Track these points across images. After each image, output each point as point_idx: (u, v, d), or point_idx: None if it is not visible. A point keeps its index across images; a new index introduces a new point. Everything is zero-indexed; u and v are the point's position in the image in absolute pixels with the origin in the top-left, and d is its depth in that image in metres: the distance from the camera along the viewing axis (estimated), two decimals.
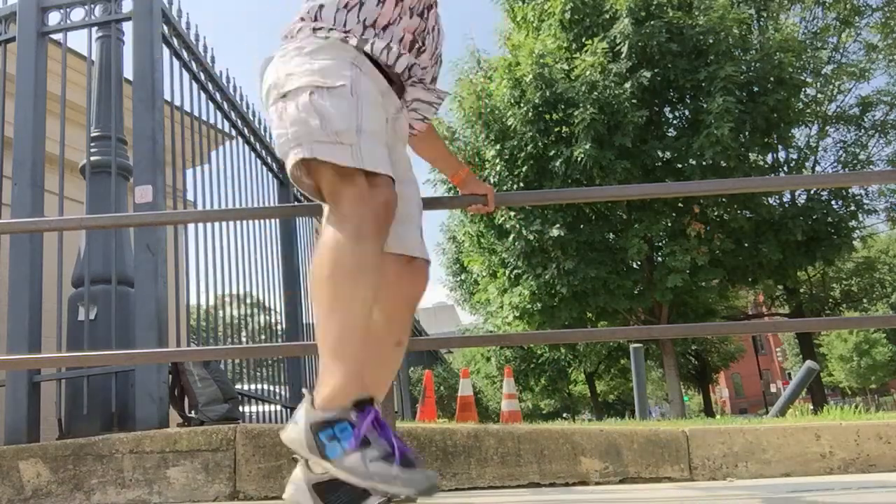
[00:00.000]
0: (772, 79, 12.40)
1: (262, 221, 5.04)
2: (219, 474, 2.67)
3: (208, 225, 4.00)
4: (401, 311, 1.84)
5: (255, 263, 4.80)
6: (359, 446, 1.33)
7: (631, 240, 12.02)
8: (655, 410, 28.23)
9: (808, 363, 6.87)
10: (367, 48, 1.74)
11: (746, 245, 13.12)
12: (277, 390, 5.31)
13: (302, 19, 1.83)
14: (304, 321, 5.72)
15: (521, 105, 12.38)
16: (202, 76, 4.09)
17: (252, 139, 4.98)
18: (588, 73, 11.80)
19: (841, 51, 17.06)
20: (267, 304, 5.28)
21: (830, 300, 22.18)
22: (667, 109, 13.62)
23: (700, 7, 12.40)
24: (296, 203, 5.84)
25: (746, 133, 12.55)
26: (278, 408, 5.08)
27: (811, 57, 15.13)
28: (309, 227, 6.19)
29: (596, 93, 11.67)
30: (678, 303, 13.54)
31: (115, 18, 3.52)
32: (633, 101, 11.79)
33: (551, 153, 12.15)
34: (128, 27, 3.52)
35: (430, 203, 2.65)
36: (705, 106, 11.70)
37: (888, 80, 17.60)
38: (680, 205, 12.51)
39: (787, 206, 13.80)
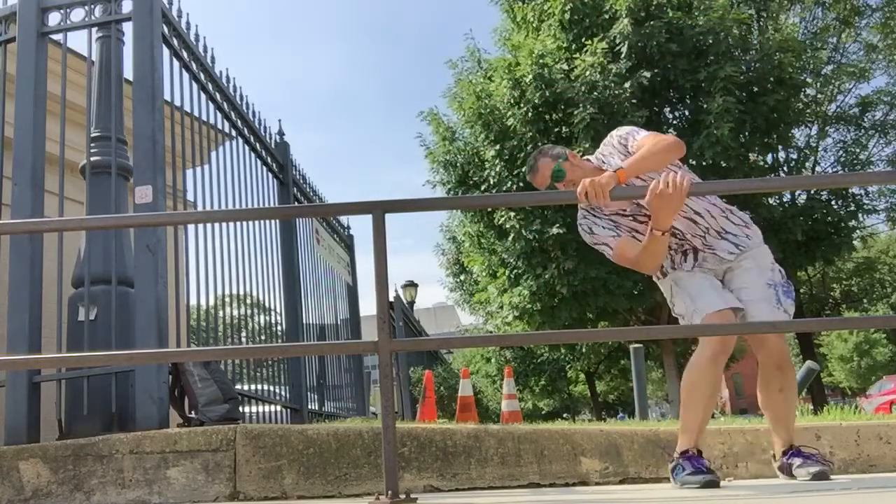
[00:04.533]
0: (772, 79, 12.39)
1: (262, 221, 5.04)
2: (219, 475, 2.67)
3: (208, 225, 4.00)
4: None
5: (255, 263, 4.80)
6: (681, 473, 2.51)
7: None
8: (655, 411, 28.20)
9: (809, 363, 6.87)
10: None
11: None
12: (277, 390, 5.31)
13: None
14: (303, 321, 5.72)
15: (521, 105, 12.37)
16: (202, 76, 4.09)
17: (252, 139, 4.98)
18: (588, 73, 11.79)
19: (841, 51, 17.06)
20: (267, 304, 5.28)
21: (830, 300, 22.17)
22: (667, 109, 13.60)
23: (700, 7, 12.38)
24: (296, 203, 5.84)
25: (746, 133, 12.54)
26: (278, 408, 5.08)
27: (811, 57, 15.12)
28: (309, 227, 6.19)
29: (596, 93, 11.67)
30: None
31: (115, 19, 3.52)
32: (633, 101, 11.77)
33: None
34: (128, 27, 3.52)
35: (432, 203, 2.65)
36: (705, 106, 11.69)
37: (888, 80, 17.57)
38: None
39: (787, 206, 13.78)
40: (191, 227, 3.82)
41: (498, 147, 12.71)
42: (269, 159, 5.35)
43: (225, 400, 3.42)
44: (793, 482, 2.54)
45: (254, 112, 5.01)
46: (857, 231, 15.35)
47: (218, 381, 3.44)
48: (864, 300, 23.95)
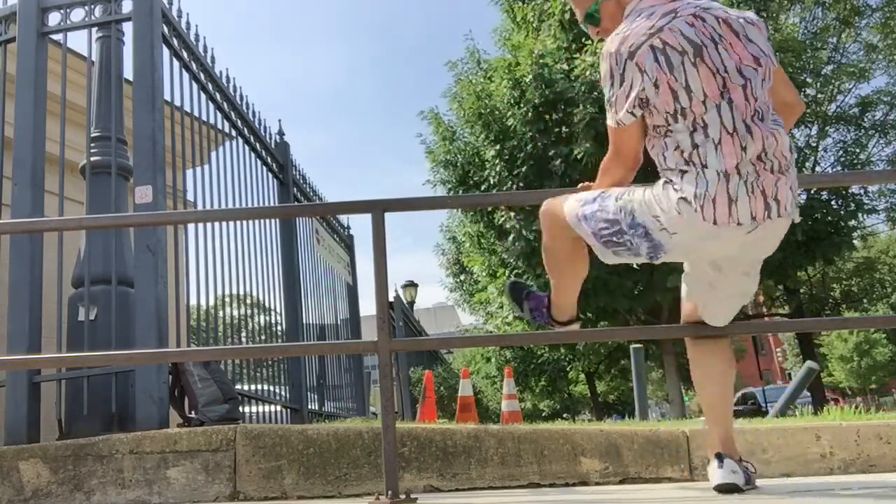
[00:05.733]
0: None
1: (262, 221, 5.04)
2: (219, 475, 2.67)
3: (208, 225, 4.00)
4: None
5: (255, 263, 4.80)
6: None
7: None
8: (655, 411, 28.19)
9: (809, 363, 6.86)
10: None
11: None
12: (277, 390, 5.30)
13: None
14: (303, 321, 5.71)
15: (521, 105, 12.37)
16: (202, 76, 4.09)
17: (252, 139, 4.97)
18: (588, 73, 11.79)
19: (841, 51, 17.04)
20: (267, 304, 5.28)
21: (830, 300, 22.17)
22: None
23: None
24: (296, 203, 5.84)
25: None
26: (278, 408, 5.08)
27: (811, 57, 15.12)
28: (309, 227, 6.19)
29: (596, 92, 11.66)
30: (679, 303, 13.52)
31: (115, 19, 3.52)
32: None
33: (551, 153, 12.15)
34: (128, 27, 3.53)
35: (432, 202, 2.66)
36: None
37: (888, 80, 17.55)
38: None
39: None
40: (191, 227, 3.82)
41: (498, 147, 12.71)
42: (269, 159, 5.35)
43: (225, 400, 3.42)
44: (790, 480, 2.54)
45: (254, 112, 5.01)
46: (857, 231, 15.34)
47: (218, 381, 3.44)
48: (864, 300, 23.93)
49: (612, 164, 2.22)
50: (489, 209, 12.94)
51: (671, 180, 2.01)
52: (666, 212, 1.99)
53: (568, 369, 23.56)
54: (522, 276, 13.07)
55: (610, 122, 2.16)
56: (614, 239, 2.11)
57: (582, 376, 27.05)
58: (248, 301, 5.39)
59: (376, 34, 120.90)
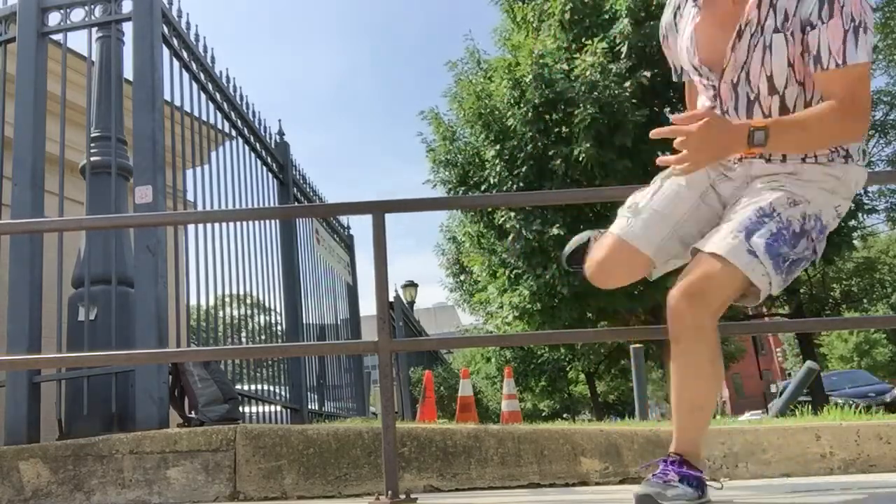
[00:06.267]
0: None
1: (262, 221, 5.04)
2: (219, 475, 2.67)
3: (208, 225, 4.01)
4: None
5: (255, 263, 4.80)
6: None
7: None
8: (655, 410, 28.15)
9: (809, 363, 6.87)
10: None
11: None
12: (277, 390, 5.31)
13: None
14: (303, 321, 5.72)
15: (521, 105, 12.37)
16: (202, 76, 4.09)
17: (252, 139, 4.98)
18: (588, 73, 11.79)
19: None
20: (267, 304, 5.28)
21: (830, 300, 22.18)
22: (667, 110, 13.59)
23: None
24: (296, 203, 5.84)
25: None
26: (278, 408, 5.08)
27: None
28: (309, 227, 6.19)
29: (596, 93, 11.66)
30: None
31: (115, 19, 3.52)
32: (633, 101, 11.77)
33: (551, 153, 12.15)
34: (128, 27, 3.53)
35: (432, 203, 2.66)
36: None
37: (888, 80, 17.61)
38: None
39: None
40: (191, 227, 3.82)
41: (498, 147, 12.71)
42: (269, 159, 5.36)
43: (225, 400, 3.42)
44: (790, 480, 2.54)
45: (254, 112, 5.01)
46: (857, 231, 15.34)
47: (218, 381, 3.45)
48: (864, 300, 23.95)
49: (845, 117, 1.72)
50: (489, 209, 12.94)
51: (849, 154, 1.84)
52: (850, 193, 1.85)
53: (568, 369, 23.57)
54: (522, 276, 13.07)
55: (861, 55, 1.76)
56: (797, 257, 1.73)
57: (582, 376, 27.05)
58: (248, 301, 5.40)
59: (376, 34, 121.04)
